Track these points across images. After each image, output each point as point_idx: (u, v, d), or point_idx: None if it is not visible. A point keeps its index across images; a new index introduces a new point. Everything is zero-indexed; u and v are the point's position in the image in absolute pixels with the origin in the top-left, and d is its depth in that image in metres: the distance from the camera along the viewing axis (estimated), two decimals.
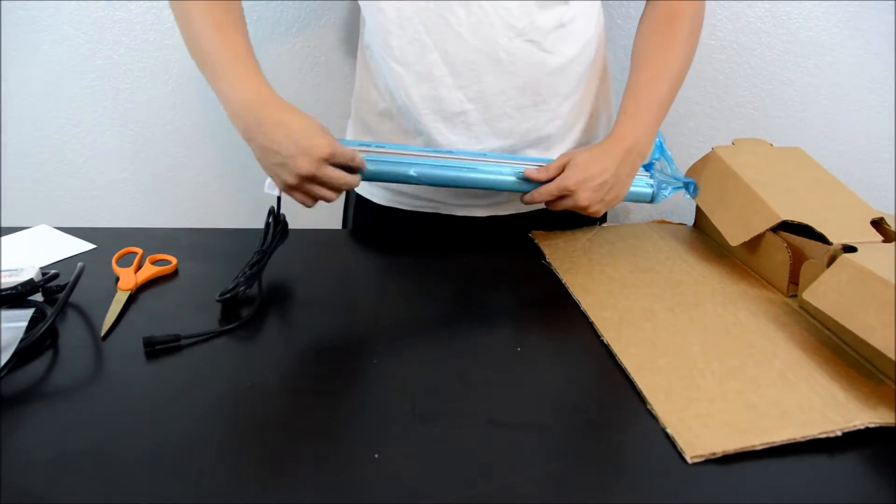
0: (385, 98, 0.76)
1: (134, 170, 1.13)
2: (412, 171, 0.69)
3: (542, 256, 0.75)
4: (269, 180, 0.66)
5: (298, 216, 0.73)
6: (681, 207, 1.13)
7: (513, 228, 0.82)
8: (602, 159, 0.69)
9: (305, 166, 0.61)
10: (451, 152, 0.72)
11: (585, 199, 0.69)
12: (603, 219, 0.85)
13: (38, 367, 0.55)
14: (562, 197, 0.69)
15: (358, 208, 0.88)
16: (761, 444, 0.46)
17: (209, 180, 1.15)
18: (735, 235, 0.71)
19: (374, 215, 0.86)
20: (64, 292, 0.62)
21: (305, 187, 0.63)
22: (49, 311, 0.59)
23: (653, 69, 0.74)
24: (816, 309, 0.58)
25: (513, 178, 0.71)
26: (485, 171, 0.70)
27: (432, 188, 0.79)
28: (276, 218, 0.70)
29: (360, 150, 0.67)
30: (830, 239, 0.62)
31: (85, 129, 1.10)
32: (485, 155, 0.73)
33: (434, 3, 0.68)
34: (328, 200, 0.66)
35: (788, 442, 0.46)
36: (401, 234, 0.83)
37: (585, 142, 0.80)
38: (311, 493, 0.43)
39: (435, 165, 0.69)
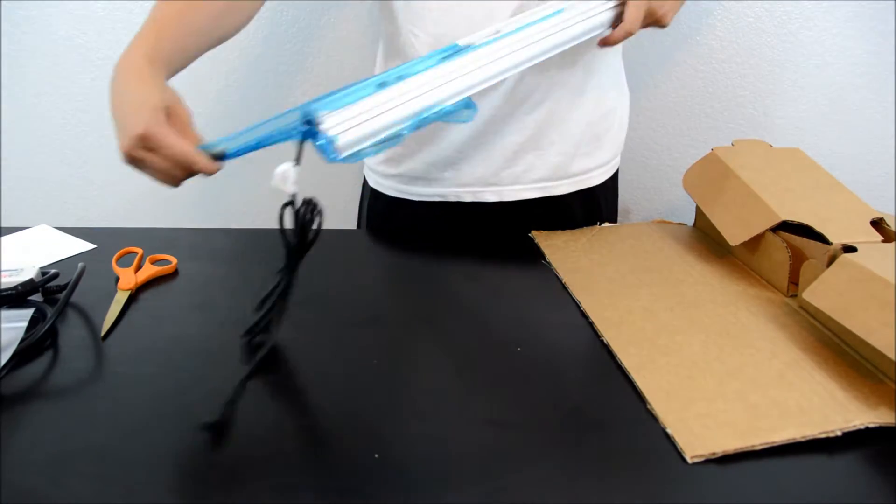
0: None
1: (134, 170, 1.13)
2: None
3: (543, 256, 0.75)
4: (280, 170, 0.51)
5: None
6: (681, 208, 1.13)
7: (519, 217, 0.82)
8: None
9: (125, 143, 0.59)
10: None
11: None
12: (602, 219, 0.86)
13: (38, 367, 0.55)
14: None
15: (371, 201, 0.91)
16: (761, 444, 0.46)
17: (209, 180, 1.15)
18: (735, 235, 0.71)
19: (385, 207, 0.87)
20: (65, 292, 0.62)
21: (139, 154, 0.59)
22: (49, 311, 0.60)
23: None
24: (816, 309, 0.58)
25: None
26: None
27: (437, 168, 0.80)
28: (303, 226, 0.52)
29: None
30: (830, 239, 0.62)
31: (85, 129, 1.10)
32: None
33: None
34: (165, 179, 0.60)
35: (788, 442, 0.46)
36: (409, 225, 0.84)
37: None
38: (312, 494, 0.43)
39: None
